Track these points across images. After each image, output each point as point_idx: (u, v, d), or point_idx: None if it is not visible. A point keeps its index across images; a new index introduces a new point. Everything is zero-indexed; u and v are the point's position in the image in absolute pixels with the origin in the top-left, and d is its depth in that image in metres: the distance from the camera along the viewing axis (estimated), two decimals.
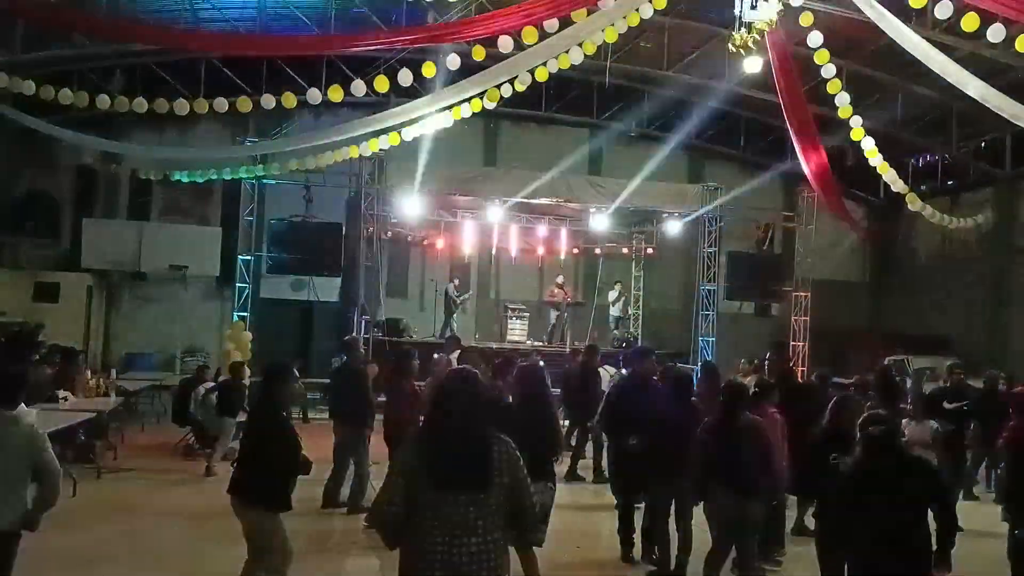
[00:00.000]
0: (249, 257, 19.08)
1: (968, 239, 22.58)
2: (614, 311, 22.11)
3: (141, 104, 13.08)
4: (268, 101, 13.18)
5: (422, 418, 4.65)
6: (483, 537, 3.62)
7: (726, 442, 6.46)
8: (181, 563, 7.47)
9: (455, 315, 20.51)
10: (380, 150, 15.95)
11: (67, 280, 20.24)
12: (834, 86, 13.43)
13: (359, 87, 12.82)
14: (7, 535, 4.98)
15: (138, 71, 19.74)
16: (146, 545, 7.97)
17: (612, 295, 22.15)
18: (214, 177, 18.73)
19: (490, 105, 13.59)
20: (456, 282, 20.99)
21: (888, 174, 15.88)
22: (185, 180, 19.06)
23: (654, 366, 8.76)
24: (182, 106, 13.04)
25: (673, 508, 7.43)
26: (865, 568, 5.04)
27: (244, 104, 13.14)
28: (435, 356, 12.82)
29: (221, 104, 13.28)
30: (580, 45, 12.09)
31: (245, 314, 18.44)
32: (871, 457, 5.13)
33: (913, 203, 17.16)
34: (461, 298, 20.66)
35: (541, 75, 12.88)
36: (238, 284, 18.92)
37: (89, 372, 13.53)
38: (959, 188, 23.65)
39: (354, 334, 16.75)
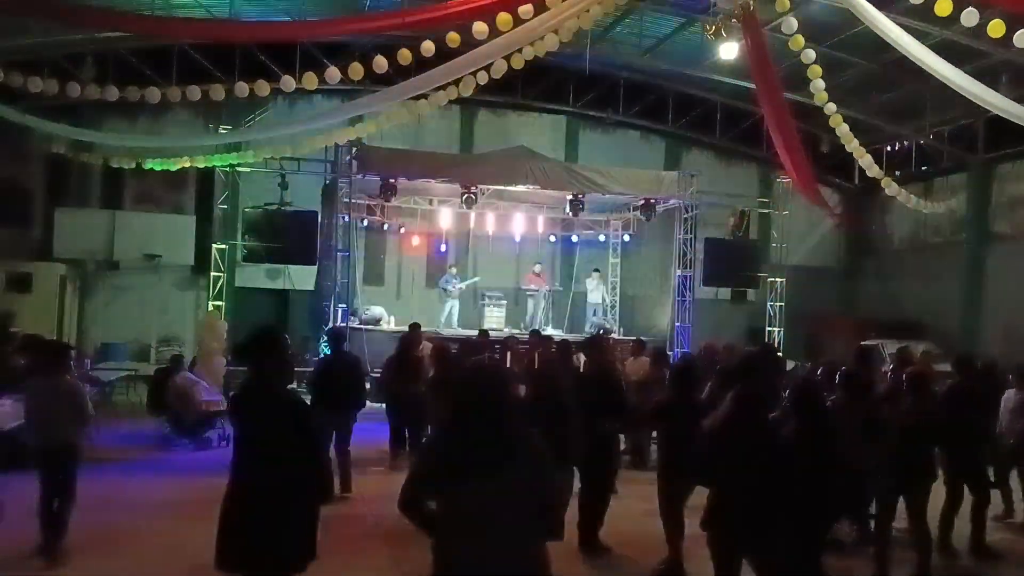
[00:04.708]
0: (224, 246, 18.99)
1: (941, 224, 22.84)
2: (592, 298, 22.14)
3: (112, 92, 12.92)
4: (241, 89, 13.05)
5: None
6: (511, 530, 3.59)
7: None
8: (160, 554, 7.42)
9: (448, 303, 20.56)
10: (356, 138, 15.87)
11: (40, 270, 20.03)
12: (814, 72, 13.46)
13: (333, 74, 12.72)
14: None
15: (110, 58, 19.49)
16: (124, 536, 7.91)
17: (590, 283, 22.17)
18: (187, 165, 18.57)
19: (466, 93, 13.54)
20: (454, 270, 21.07)
21: (864, 159, 15.99)
22: (158, 168, 18.87)
23: (612, 355, 8.78)
24: (154, 94, 12.91)
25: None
26: None
27: (217, 92, 13.02)
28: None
29: (194, 92, 13.16)
30: (556, 32, 12.06)
31: (220, 303, 18.33)
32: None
33: (889, 187, 17.29)
34: (458, 286, 20.69)
35: (517, 62, 12.83)
36: (213, 273, 18.83)
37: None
38: (933, 173, 23.80)
39: (339, 324, 16.76)
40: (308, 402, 10.49)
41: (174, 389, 12.52)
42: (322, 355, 12.22)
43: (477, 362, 4.05)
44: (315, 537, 4.37)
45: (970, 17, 11.01)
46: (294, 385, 17.02)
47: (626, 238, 23.65)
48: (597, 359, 8.66)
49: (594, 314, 21.91)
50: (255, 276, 21.33)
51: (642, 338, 16.51)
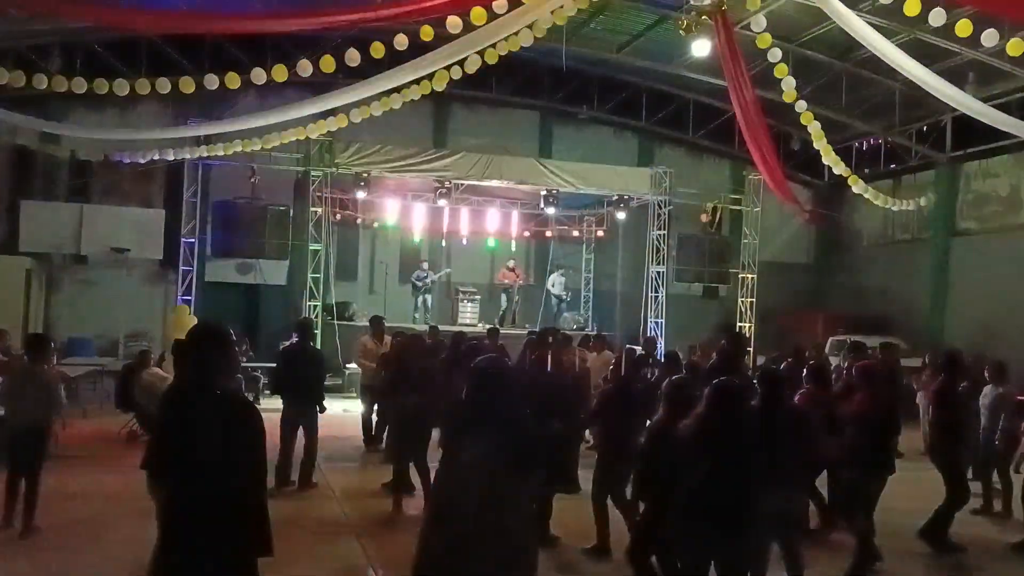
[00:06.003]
0: (193, 240, 18.79)
1: (910, 221, 23.09)
2: (556, 293, 22.16)
3: (80, 84, 12.70)
4: (211, 81, 12.85)
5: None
6: (521, 521, 3.92)
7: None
8: (128, 550, 7.30)
9: (420, 297, 20.54)
10: (327, 132, 15.77)
11: (4, 264, 19.68)
12: (780, 71, 13.54)
13: (305, 67, 12.60)
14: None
15: (78, 49, 19.22)
16: (92, 532, 7.83)
17: (558, 280, 22.13)
18: (156, 158, 18.36)
19: (439, 87, 13.49)
20: (425, 265, 21.10)
21: (830, 157, 16.11)
22: (126, 161, 18.64)
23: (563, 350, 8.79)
24: (122, 86, 12.69)
25: None
26: None
27: (187, 85, 12.86)
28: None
29: (163, 85, 13.00)
30: (530, 27, 12.03)
31: (190, 298, 18.17)
32: None
33: (856, 185, 17.44)
34: (429, 279, 20.66)
35: (491, 57, 12.79)
36: (182, 267, 18.65)
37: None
38: (901, 171, 24.05)
39: (309, 316, 16.71)
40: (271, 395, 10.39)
41: (142, 385, 12.36)
42: (286, 345, 11.93)
43: (483, 360, 4.37)
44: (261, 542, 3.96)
45: (938, 17, 11.16)
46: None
47: (600, 234, 23.71)
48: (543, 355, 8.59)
49: (557, 310, 21.87)
50: (225, 271, 21.13)
51: (604, 333, 16.61)
